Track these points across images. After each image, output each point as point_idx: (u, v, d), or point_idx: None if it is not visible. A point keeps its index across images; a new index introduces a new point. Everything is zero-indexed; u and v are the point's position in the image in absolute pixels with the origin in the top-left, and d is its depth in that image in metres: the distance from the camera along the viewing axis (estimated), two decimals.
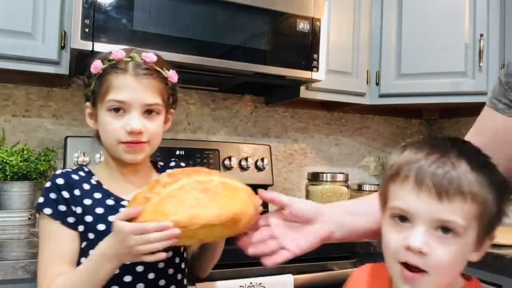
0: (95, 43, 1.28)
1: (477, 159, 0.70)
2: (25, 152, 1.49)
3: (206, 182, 0.79)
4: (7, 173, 1.44)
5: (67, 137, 1.61)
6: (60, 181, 0.93)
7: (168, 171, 0.88)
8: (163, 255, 0.76)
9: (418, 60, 1.80)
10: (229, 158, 1.82)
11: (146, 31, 1.36)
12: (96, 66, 0.96)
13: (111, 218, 0.88)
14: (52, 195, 0.92)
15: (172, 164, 1.10)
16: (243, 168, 1.85)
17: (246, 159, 1.85)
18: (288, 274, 1.27)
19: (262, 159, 1.88)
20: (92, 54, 1.29)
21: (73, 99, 1.73)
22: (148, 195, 0.78)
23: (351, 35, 1.83)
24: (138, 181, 1.00)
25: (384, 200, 0.76)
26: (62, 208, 0.92)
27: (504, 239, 1.34)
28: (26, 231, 1.36)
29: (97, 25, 1.28)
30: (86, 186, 0.95)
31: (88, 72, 0.98)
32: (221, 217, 0.75)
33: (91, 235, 0.91)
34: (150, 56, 0.97)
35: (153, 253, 0.75)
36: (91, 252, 0.86)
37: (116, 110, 0.93)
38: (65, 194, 0.92)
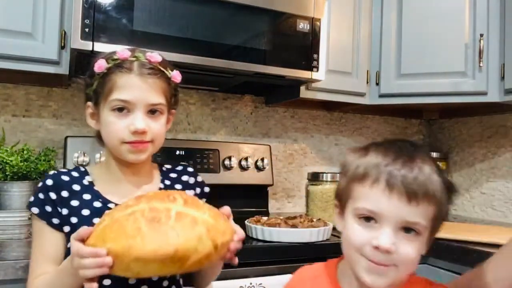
0: (95, 43, 1.28)
1: (435, 162, 0.75)
2: (25, 152, 1.49)
3: (161, 210, 0.71)
4: (7, 173, 1.44)
5: (67, 137, 1.61)
6: (49, 182, 0.95)
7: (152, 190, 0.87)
8: (94, 286, 0.72)
9: (418, 60, 1.79)
10: (229, 158, 1.82)
11: (146, 31, 1.36)
12: (101, 65, 0.95)
13: (95, 220, 0.88)
14: (41, 195, 0.94)
15: (179, 168, 1.09)
16: (243, 168, 1.85)
17: (246, 159, 1.85)
18: (288, 274, 1.27)
19: (262, 159, 1.88)
20: (92, 54, 1.29)
21: (73, 99, 1.73)
22: (114, 214, 0.74)
23: (351, 35, 1.83)
24: (139, 182, 1.00)
25: (345, 198, 0.78)
26: (48, 209, 0.93)
27: (504, 239, 1.34)
28: (26, 231, 1.36)
29: (97, 25, 1.28)
30: (76, 187, 0.96)
31: (90, 72, 0.98)
32: (157, 253, 0.67)
33: None
34: (155, 56, 0.97)
35: (90, 278, 0.72)
36: None
37: (120, 109, 0.93)
38: (52, 196, 0.94)
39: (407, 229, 0.72)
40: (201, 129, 1.95)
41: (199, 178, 1.11)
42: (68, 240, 0.91)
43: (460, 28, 1.74)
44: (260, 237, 1.34)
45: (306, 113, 2.15)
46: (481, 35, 1.69)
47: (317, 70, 1.60)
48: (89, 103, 0.99)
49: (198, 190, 1.08)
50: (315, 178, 1.93)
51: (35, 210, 0.93)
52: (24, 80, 1.62)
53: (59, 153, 1.64)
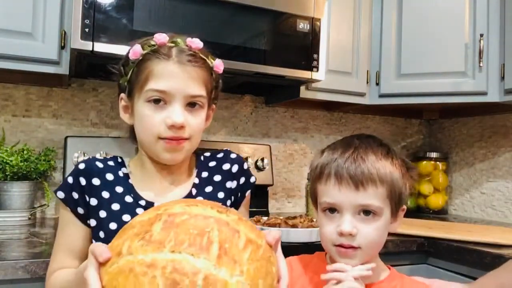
0: (95, 43, 1.28)
1: (381, 150, 0.86)
2: (25, 152, 1.49)
3: (187, 273, 0.55)
4: (7, 173, 1.44)
5: (67, 137, 1.61)
6: (81, 166, 0.88)
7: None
8: None
9: (418, 60, 1.79)
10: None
11: (146, 31, 1.35)
12: (136, 51, 0.85)
13: (125, 217, 0.83)
14: (70, 180, 0.87)
15: (220, 155, 0.98)
16: None
17: (246, 159, 1.85)
18: None
19: (262, 159, 1.88)
20: (92, 54, 1.30)
21: (73, 99, 1.73)
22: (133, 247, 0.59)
23: (351, 35, 1.83)
24: (174, 180, 0.92)
25: (314, 198, 0.90)
26: (75, 195, 0.86)
27: (504, 239, 1.34)
28: (26, 231, 1.36)
29: (97, 25, 1.28)
30: (110, 177, 0.88)
31: (124, 59, 0.89)
32: None
33: (101, 234, 0.85)
34: (196, 41, 0.87)
35: None
36: None
37: (156, 101, 0.83)
38: (82, 181, 0.86)
39: (365, 212, 0.83)
40: None
41: (245, 166, 1.00)
42: (93, 237, 0.86)
43: (460, 28, 1.74)
44: None
45: (306, 113, 2.15)
46: (481, 35, 1.69)
47: (317, 70, 1.60)
48: (123, 95, 0.90)
49: (242, 179, 0.98)
50: None
51: (60, 194, 0.87)
52: (24, 80, 1.62)
53: (59, 153, 1.64)
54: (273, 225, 1.35)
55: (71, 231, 0.87)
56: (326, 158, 0.86)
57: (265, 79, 1.63)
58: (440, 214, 2.16)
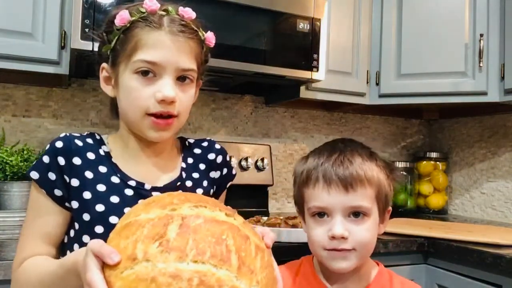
0: (95, 43, 1.28)
1: (365, 152, 0.88)
2: (25, 152, 1.49)
3: (212, 286, 0.55)
4: (7, 173, 1.44)
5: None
6: (58, 144, 0.81)
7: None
8: None
9: (418, 60, 1.80)
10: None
11: None
12: (123, 17, 0.78)
13: (113, 199, 0.78)
14: (45, 159, 0.80)
15: (205, 144, 0.96)
16: (243, 168, 1.85)
17: (246, 159, 1.85)
18: None
19: (262, 159, 1.88)
20: (92, 54, 1.29)
21: (73, 99, 1.73)
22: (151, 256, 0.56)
23: (351, 35, 1.83)
24: (159, 162, 0.87)
25: (301, 204, 0.91)
26: (52, 176, 0.79)
27: (504, 239, 1.34)
28: None
29: (97, 25, 1.28)
30: (91, 156, 0.82)
31: (107, 25, 0.82)
32: None
33: (86, 216, 0.78)
34: (188, 11, 0.82)
35: None
36: (84, 238, 0.74)
37: (145, 73, 0.77)
38: (61, 161, 0.79)
39: (355, 214, 0.84)
40: (201, 129, 1.95)
41: (228, 157, 0.98)
42: (74, 218, 0.79)
43: (460, 28, 1.74)
44: None
45: (306, 113, 2.15)
46: (481, 35, 1.69)
47: (317, 70, 1.60)
48: (104, 65, 0.83)
49: (225, 171, 0.97)
50: None
51: (34, 174, 0.79)
52: (24, 80, 1.62)
53: None
54: (273, 225, 1.35)
55: (45, 215, 0.79)
56: (312, 163, 0.87)
57: (265, 79, 1.63)
58: (440, 214, 2.16)
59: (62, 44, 1.38)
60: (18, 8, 1.34)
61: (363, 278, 0.90)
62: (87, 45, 1.28)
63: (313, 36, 1.59)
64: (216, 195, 0.97)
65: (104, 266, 0.58)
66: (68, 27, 1.36)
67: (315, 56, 1.59)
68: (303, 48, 1.58)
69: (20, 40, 1.33)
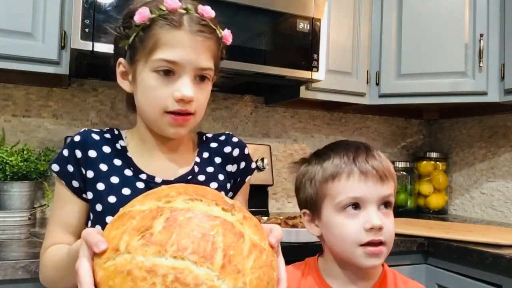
0: (95, 43, 1.28)
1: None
2: (25, 152, 1.49)
3: (189, 283, 0.53)
4: (7, 173, 1.44)
5: (67, 137, 1.61)
6: (76, 138, 0.84)
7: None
8: None
9: (418, 60, 1.80)
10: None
11: None
12: (143, 15, 0.78)
13: (124, 191, 0.81)
14: (65, 152, 0.84)
15: (222, 137, 0.97)
16: None
17: None
18: None
19: (262, 159, 1.88)
20: (92, 54, 1.30)
21: (73, 99, 1.73)
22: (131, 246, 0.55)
23: (351, 35, 1.83)
24: (174, 157, 0.89)
25: (319, 203, 0.90)
26: (70, 168, 0.83)
27: (504, 239, 1.34)
28: (26, 231, 1.36)
29: (97, 25, 1.28)
30: (107, 149, 0.85)
31: (127, 21, 0.82)
32: None
33: (98, 207, 0.81)
34: (208, 10, 0.83)
35: None
36: (97, 228, 0.75)
37: (166, 72, 0.79)
38: (78, 154, 0.83)
39: (385, 205, 0.87)
40: (201, 129, 1.95)
41: (246, 151, 0.96)
42: (91, 211, 0.83)
43: (460, 28, 1.74)
44: None
45: (306, 113, 2.15)
46: (481, 35, 1.69)
47: (317, 70, 1.60)
48: (122, 60, 0.84)
49: (243, 164, 0.95)
50: None
51: (55, 167, 0.83)
52: (24, 80, 1.62)
53: None
54: None
55: (66, 205, 0.83)
56: (340, 160, 0.88)
57: (265, 79, 1.63)
58: (440, 214, 2.16)
59: (62, 44, 1.38)
60: (18, 8, 1.34)
61: (368, 278, 0.91)
62: (87, 45, 1.27)
63: (313, 36, 1.59)
64: (235, 189, 0.96)
65: (94, 255, 0.58)
66: (68, 27, 1.36)
67: (315, 56, 1.59)
68: (303, 48, 1.58)
69: (20, 40, 1.33)
